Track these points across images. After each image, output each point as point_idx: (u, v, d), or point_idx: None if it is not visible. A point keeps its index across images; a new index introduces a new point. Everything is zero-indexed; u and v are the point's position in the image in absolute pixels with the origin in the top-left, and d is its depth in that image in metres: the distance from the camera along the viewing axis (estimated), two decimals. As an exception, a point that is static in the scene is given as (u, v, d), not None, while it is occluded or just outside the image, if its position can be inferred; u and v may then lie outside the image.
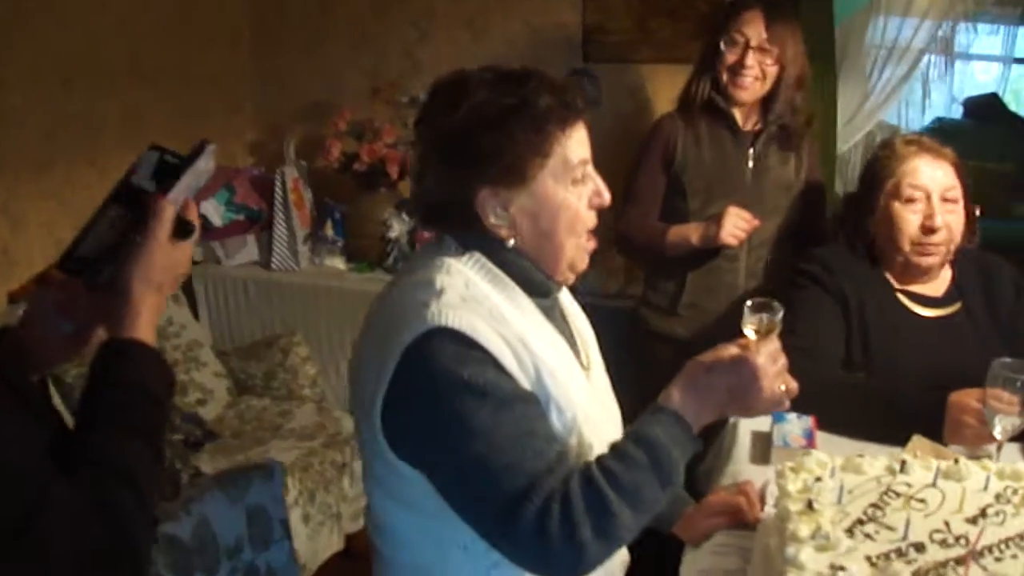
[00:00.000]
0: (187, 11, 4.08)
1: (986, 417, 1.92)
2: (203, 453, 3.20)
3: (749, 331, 1.56)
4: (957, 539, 1.47)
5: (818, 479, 1.58)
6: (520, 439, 1.40)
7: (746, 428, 2.18)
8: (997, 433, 1.91)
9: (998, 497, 1.58)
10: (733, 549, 1.73)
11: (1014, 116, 6.50)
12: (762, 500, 1.82)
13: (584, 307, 1.83)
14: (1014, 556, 1.44)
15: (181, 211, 1.34)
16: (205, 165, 1.36)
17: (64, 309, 1.36)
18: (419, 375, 1.42)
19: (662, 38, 3.83)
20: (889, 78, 3.73)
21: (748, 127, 2.89)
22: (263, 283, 3.99)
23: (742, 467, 2.04)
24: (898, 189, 2.37)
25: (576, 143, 1.53)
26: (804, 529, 1.44)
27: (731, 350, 1.50)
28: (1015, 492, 1.60)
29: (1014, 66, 6.41)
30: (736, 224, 2.70)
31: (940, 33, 3.73)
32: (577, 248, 1.58)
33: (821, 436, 2.08)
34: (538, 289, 1.60)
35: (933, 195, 2.34)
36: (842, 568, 1.38)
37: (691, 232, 2.80)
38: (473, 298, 1.49)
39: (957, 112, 6.14)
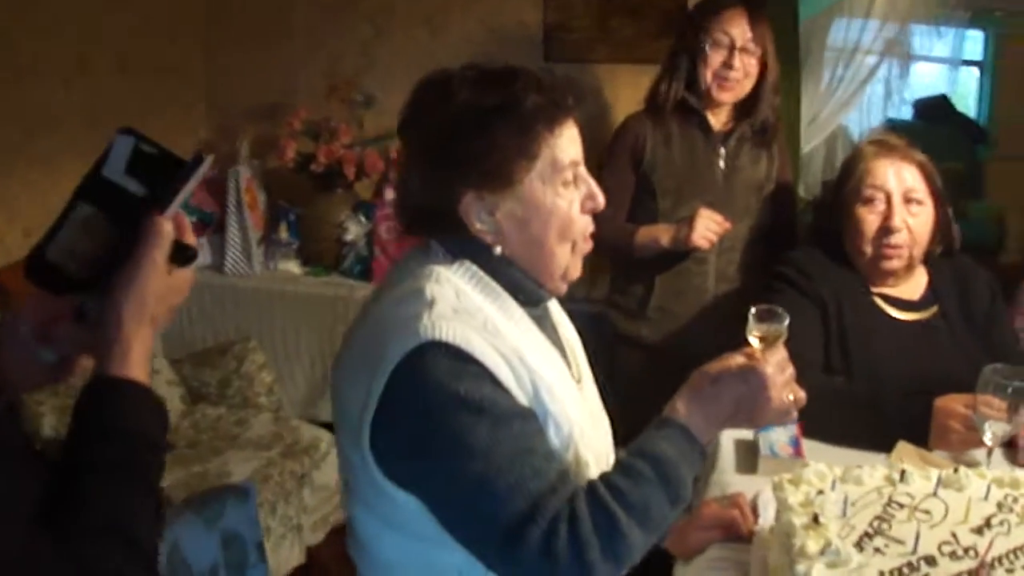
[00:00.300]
0: (139, 3, 3.93)
1: (976, 423, 1.90)
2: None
3: (754, 340, 1.51)
4: (966, 551, 1.44)
5: (820, 492, 1.53)
6: (520, 457, 1.33)
7: (728, 436, 2.13)
8: (987, 439, 1.89)
9: (1000, 506, 1.56)
10: (730, 564, 1.68)
11: (963, 117, 6.60)
12: (754, 512, 1.77)
13: None
14: (1024, 567, 1.41)
15: (177, 232, 1.18)
16: (197, 180, 1.21)
17: (44, 338, 1.20)
18: (412, 392, 1.34)
19: (624, 37, 3.80)
20: (850, 81, 3.73)
21: (719, 127, 2.85)
22: (216, 288, 3.86)
23: (729, 477, 2.00)
24: (859, 190, 2.35)
25: (566, 143, 1.46)
26: (812, 545, 1.39)
27: (738, 360, 1.45)
28: (1015, 500, 1.57)
29: (962, 68, 6.52)
30: (708, 227, 2.66)
31: (900, 36, 3.74)
32: (570, 255, 1.51)
33: (806, 444, 2.04)
34: (529, 298, 1.53)
35: (894, 196, 2.32)
36: (856, 585, 1.34)
37: (661, 234, 2.76)
38: (465, 310, 1.41)
39: (907, 113, 6.22)
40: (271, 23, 4.22)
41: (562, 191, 1.46)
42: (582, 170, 1.50)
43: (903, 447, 2.02)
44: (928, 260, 2.42)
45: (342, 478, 1.53)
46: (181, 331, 3.85)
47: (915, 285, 2.41)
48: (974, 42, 6.76)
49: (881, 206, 2.33)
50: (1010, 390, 1.84)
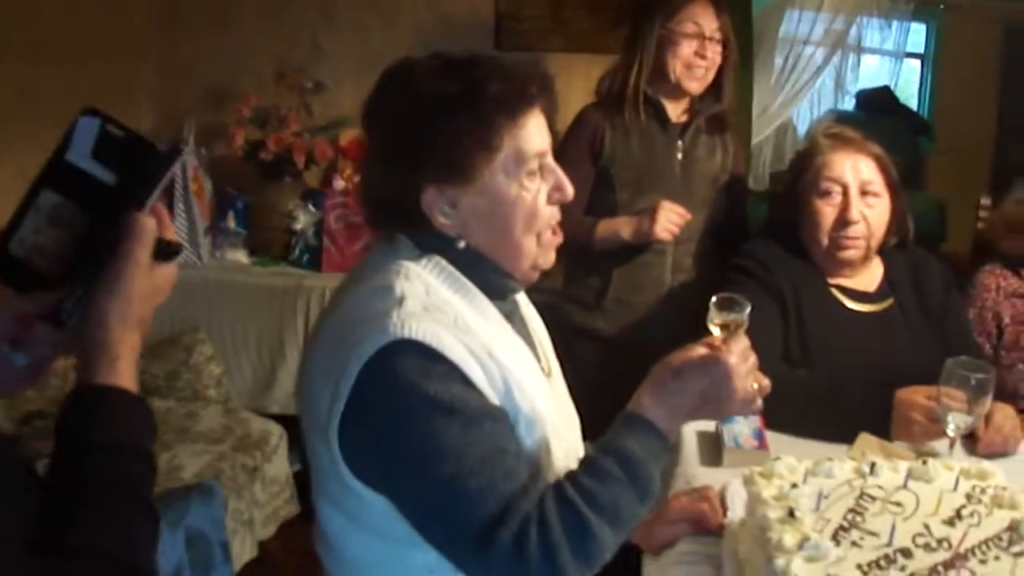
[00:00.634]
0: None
1: (939, 415, 1.92)
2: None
3: (715, 328, 1.50)
4: (939, 542, 1.44)
5: (794, 485, 1.53)
6: (491, 458, 1.31)
7: (691, 428, 2.13)
8: (950, 431, 1.91)
9: (969, 497, 1.56)
10: (701, 557, 1.67)
11: (905, 108, 6.69)
12: (723, 505, 1.77)
13: None
14: (996, 558, 1.42)
15: (159, 227, 1.11)
16: (173, 172, 1.15)
17: (16, 341, 1.12)
18: (381, 391, 1.31)
19: (578, 28, 3.79)
20: (800, 72, 3.77)
21: (676, 119, 2.84)
22: (162, 277, 3.76)
23: (693, 469, 1.99)
24: (816, 182, 2.36)
25: (532, 133, 1.43)
26: (789, 539, 1.38)
27: (699, 350, 1.43)
28: (983, 491, 1.58)
29: (904, 60, 6.61)
30: (670, 218, 2.65)
31: (848, 29, 3.78)
32: (539, 246, 1.49)
33: (768, 435, 2.04)
34: (498, 291, 1.50)
35: (851, 188, 2.33)
36: (835, 578, 1.33)
37: (622, 226, 2.73)
38: (435, 306, 1.38)
39: (850, 105, 6.29)
40: (217, 8, 4.13)
41: (527, 182, 1.43)
42: (549, 160, 1.47)
43: (865, 438, 2.03)
44: (883, 252, 2.43)
45: (312, 477, 1.50)
46: (127, 323, 3.76)
47: (871, 277, 2.43)
48: (917, 35, 6.86)
49: (838, 198, 2.34)
50: (974, 382, 1.86)
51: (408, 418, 1.30)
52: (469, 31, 3.87)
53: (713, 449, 2.04)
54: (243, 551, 3.08)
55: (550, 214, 1.48)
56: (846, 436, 2.04)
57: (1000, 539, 1.46)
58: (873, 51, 5.26)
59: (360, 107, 1.49)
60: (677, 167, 2.81)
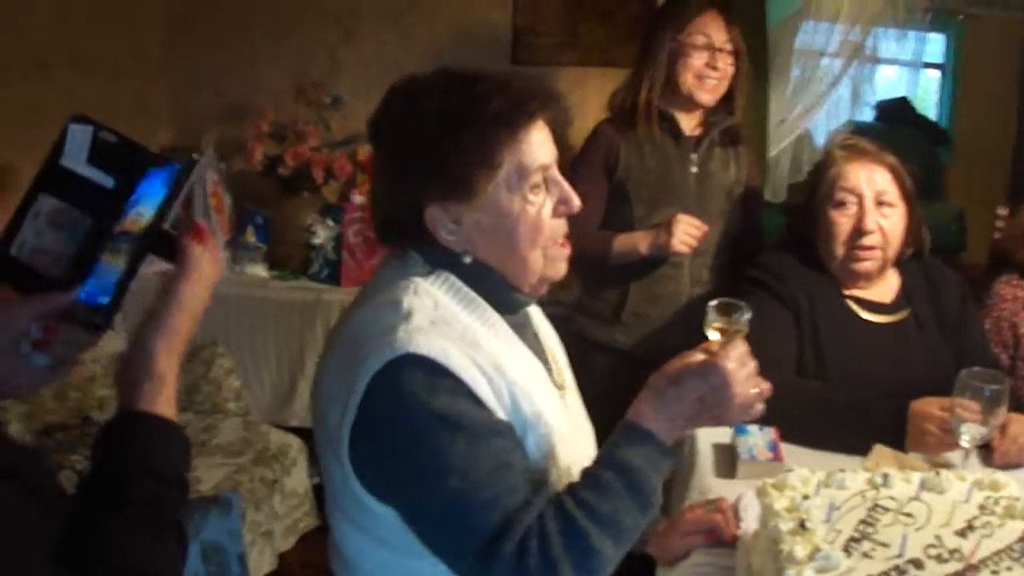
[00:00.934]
0: (100, 2, 3.84)
1: (952, 426, 1.92)
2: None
3: (713, 334, 1.48)
4: (951, 553, 1.44)
5: (805, 496, 1.53)
6: (496, 472, 1.32)
7: (706, 440, 2.14)
8: (964, 442, 1.90)
9: (982, 508, 1.56)
10: (715, 569, 1.68)
11: (923, 119, 6.68)
12: (736, 516, 1.77)
13: None
14: (1009, 568, 1.42)
15: (201, 241, 1.18)
16: (191, 183, 1.19)
17: (40, 344, 1.14)
18: (388, 406, 1.32)
19: (593, 41, 3.80)
20: (818, 83, 3.75)
21: (689, 132, 2.85)
22: (182, 292, 3.80)
23: (708, 481, 2.00)
24: (831, 193, 2.36)
25: (534, 148, 1.43)
26: (800, 550, 1.39)
27: (697, 357, 1.42)
28: (996, 502, 1.58)
29: (923, 70, 6.60)
30: (687, 231, 2.65)
31: (867, 39, 3.77)
32: (545, 259, 1.49)
33: (783, 448, 2.05)
34: (507, 306, 1.51)
35: (866, 199, 2.33)
36: (844, 590, 1.34)
37: (639, 241, 2.74)
38: (443, 320, 1.40)
39: (869, 115, 6.27)
40: (236, 23, 4.17)
41: (531, 196, 1.44)
42: (553, 173, 1.47)
43: (879, 450, 2.03)
44: (899, 263, 2.43)
45: (326, 489, 1.51)
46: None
47: (887, 288, 2.43)
48: (935, 45, 6.85)
49: (853, 209, 2.34)
50: (988, 393, 1.86)
51: (415, 433, 1.31)
52: (486, 46, 3.89)
53: (728, 461, 2.05)
54: (262, 563, 3.10)
55: (556, 227, 1.49)
56: (861, 448, 2.04)
57: (1013, 550, 1.46)
58: (891, 62, 5.23)
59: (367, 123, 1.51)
60: (692, 180, 2.82)
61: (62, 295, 1.13)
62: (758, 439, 2.04)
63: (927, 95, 7.10)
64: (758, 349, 2.18)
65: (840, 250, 2.35)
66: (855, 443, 2.06)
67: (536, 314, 1.67)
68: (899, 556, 1.42)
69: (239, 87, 4.19)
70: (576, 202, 1.49)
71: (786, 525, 1.46)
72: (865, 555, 1.42)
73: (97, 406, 3.07)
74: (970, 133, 6.60)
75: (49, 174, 1.12)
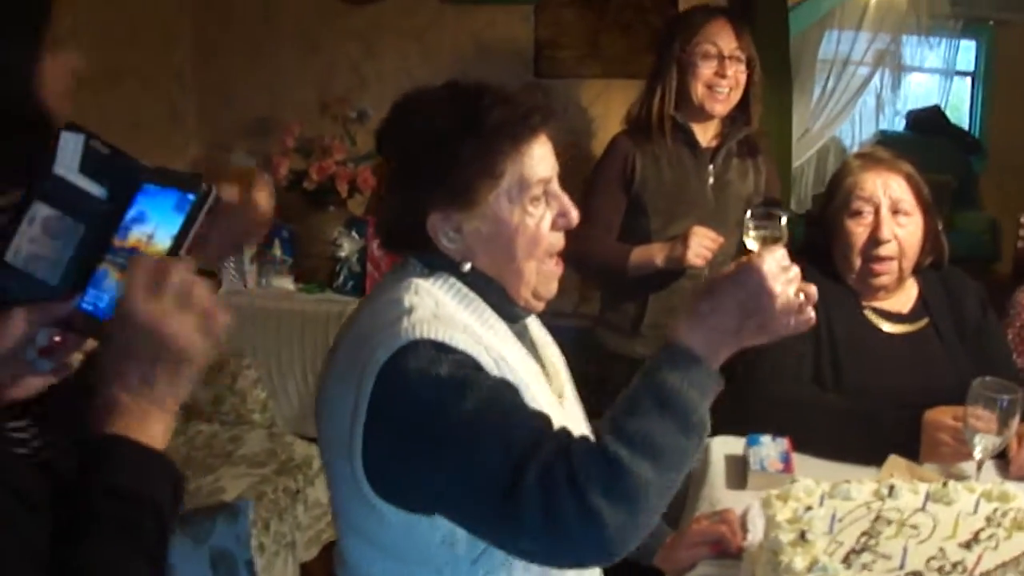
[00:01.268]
0: (123, 14, 3.88)
1: (966, 436, 1.90)
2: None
3: (752, 243, 1.44)
4: (954, 566, 1.43)
5: (808, 508, 1.53)
6: (508, 416, 1.30)
7: (720, 450, 2.13)
8: (977, 453, 1.88)
9: (988, 520, 1.55)
10: (720, 580, 1.68)
11: (955, 128, 6.61)
12: (743, 528, 1.76)
13: None
14: (1013, 582, 1.41)
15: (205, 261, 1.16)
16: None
17: (47, 351, 1.14)
18: (397, 390, 1.32)
19: (615, 53, 3.81)
20: (842, 92, 3.75)
21: (706, 143, 2.85)
22: (210, 305, 3.84)
23: (718, 492, 1.99)
24: (847, 202, 2.34)
25: (536, 161, 1.45)
26: (799, 562, 1.39)
27: (731, 266, 1.34)
28: (1004, 514, 1.57)
29: (955, 79, 6.54)
30: (702, 244, 2.65)
31: (890, 47, 3.76)
32: (539, 273, 1.50)
33: (796, 458, 2.04)
34: (506, 315, 1.52)
35: (882, 207, 2.30)
36: (842, 602, 1.33)
37: (655, 253, 2.75)
38: (446, 315, 1.41)
39: (900, 124, 6.24)
40: (263, 40, 4.23)
41: (531, 208, 1.46)
42: (554, 187, 1.49)
43: (894, 461, 2.01)
44: (917, 272, 2.41)
45: (333, 502, 1.52)
46: (174, 349, 3.84)
47: (905, 297, 2.40)
48: (967, 52, 6.78)
49: (869, 218, 2.32)
50: (1001, 403, 1.84)
51: (424, 407, 1.30)
52: (508, 59, 3.92)
53: (740, 472, 2.04)
54: (285, 574, 3.12)
55: (554, 240, 1.50)
56: (876, 458, 2.02)
57: (1018, 562, 1.45)
58: (918, 70, 5.21)
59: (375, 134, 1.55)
60: (709, 191, 2.82)
61: (61, 303, 1.14)
62: (770, 450, 2.03)
63: (960, 103, 7.03)
64: (775, 359, 2.20)
65: (857, 261, 2.33)
66: (870, 453, 2.04)
67: (534, 325, 1.68)
68: (900, 568, 1.42)
69: (266, 102, 4.24)
70: (575, 215, 1.50)
71: (787, 536, 1.45)
72: (865, 567, 1.42)
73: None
74: (1002, 141, 6.52)
75: (43, 182, 1.13)
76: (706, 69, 2.74)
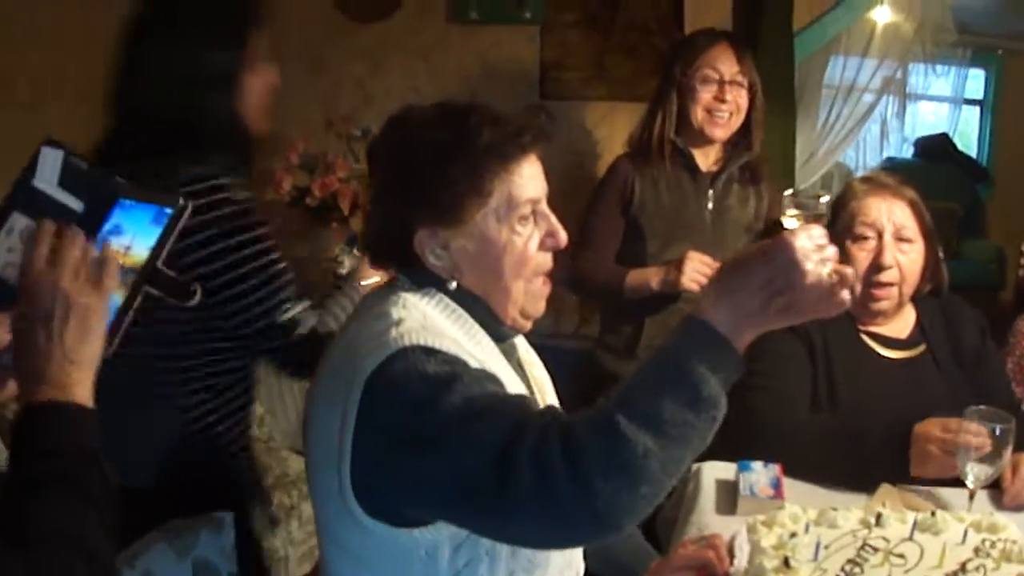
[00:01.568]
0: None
1: (958, 461, 1.88)
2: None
3: (790, 222, 1.36)
4: (939, 597, 1.42)
5: (793, 534, 1.52)
6: (497, 399, 1.29)
7: (710, 476, 2.11)
8: (970, 482, 1.87)
9: (976, 551, 1.54)
10: (704, 606, 1.66)
11: (963, 156, 6.60)
12: (731, 553, 1.75)
13: (535, 348, 1.74)
14: (998, 614, 1.39)
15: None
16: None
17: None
18: (386, 395, 1.31)
19: (620, 75, 3.82)
20: (847, 119, 3.74)
21: (707, 168, 2.85)
22: (210, 319, 3.84)
23: (707, 517, 1.97)
24: (851, 227, 2.34)
25: (525, 180, 1.46)
26: (781, 588, 1.37)
27: (764, 243, 1.25)
28: (993, 545, 1.56)
29: (963, 107, 6.53)
30: (697, 269, 2.65)
31: (896, 75, 3.76)
32: (527, 292, 1.50)
33: (788, 483, 2.02)
34: (493, 332, 1.52)
35: (885, 233, 2.30)
36: (822, 630, 1.32)
37: (651, 276, 2.75)
38: (434, 327, 1.41)
39: (908, 151, 6.23)
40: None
41: (519, 228, 1.46)
42: (543, 207, 1.49)
43: (886, 490, 1.99)
44: (916, 299, 2.40)
45: (318, 520, 1.52)
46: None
47: (903, 323, 2.39)
48: (976, 81, 6.78)
49: (872, 243, 2.32)
50: (997, 431, 1.83)
51: (412, 398, 1.29)
52: (514, 80, 3.92)
53: (730, 497, 2.02)
54: (278, 589, 3.11)
55: (542, 260, 1.50)
56: (866, 480, 2.01)
57: (1005, 594, 1.43)
58: (926, 98, 5.21)
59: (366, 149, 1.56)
60: (707, 216, 2.82)
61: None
62: (761, 476, 2.01)
63: (969, 131, 7.02)
64: (772, 383, 2.19)
65: (857, 285, 2.32)
66: (859, 473, 2.02)
67: (522, 345, 1.68)
68: (884, 597, 1.40)
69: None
70: (563, 236, 1.51)
71: (771, 562, 1.44)
72: (847, 595, 1.40)
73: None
74: (1010, 169, 6.51)
75: (22, 193, 1.16)
76: (706, 93, 2.74)
